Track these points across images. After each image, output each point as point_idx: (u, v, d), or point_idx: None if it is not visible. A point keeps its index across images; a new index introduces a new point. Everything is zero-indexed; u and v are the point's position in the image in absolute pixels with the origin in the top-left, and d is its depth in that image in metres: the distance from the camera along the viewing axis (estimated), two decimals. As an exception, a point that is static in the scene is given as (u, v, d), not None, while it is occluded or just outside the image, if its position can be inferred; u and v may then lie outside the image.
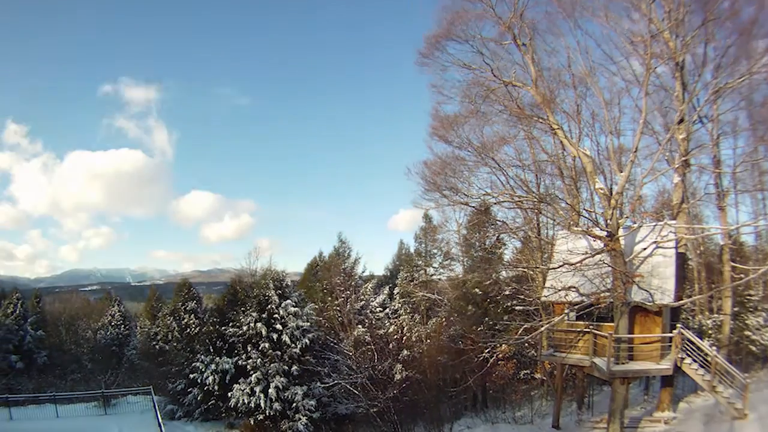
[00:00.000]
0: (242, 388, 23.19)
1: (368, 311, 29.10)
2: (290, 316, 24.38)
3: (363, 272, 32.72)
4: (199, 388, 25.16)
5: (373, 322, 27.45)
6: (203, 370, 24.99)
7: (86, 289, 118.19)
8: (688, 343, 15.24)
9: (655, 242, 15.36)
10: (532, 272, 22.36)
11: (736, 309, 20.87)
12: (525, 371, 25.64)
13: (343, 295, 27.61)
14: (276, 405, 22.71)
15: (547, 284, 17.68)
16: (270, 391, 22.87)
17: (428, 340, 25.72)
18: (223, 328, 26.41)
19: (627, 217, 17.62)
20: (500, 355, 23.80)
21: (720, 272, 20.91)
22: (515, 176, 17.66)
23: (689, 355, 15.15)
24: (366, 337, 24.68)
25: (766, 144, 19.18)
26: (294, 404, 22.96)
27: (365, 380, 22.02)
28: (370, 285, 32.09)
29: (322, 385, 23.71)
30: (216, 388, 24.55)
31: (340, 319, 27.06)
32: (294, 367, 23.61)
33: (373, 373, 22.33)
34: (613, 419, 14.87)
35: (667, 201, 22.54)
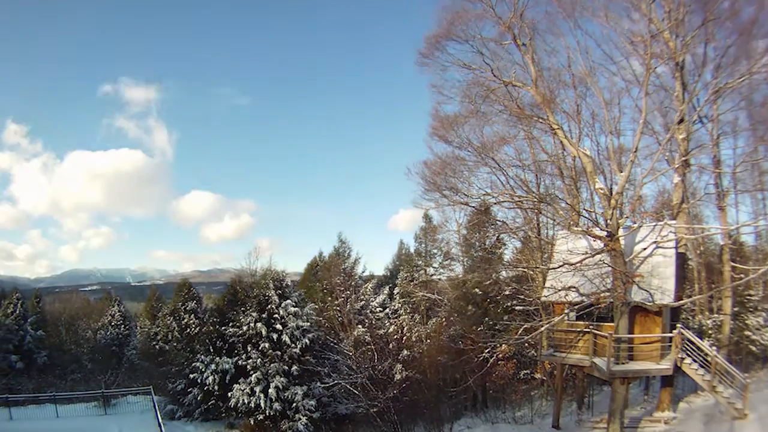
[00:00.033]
0: (242, 388, 23.19)
1: (368, 311, 29.11)
2: (290, 316, 24.38)
3: (363, 272, 32.78)
4: (199, 388, 25.16)
5: (373, 322, 27.45)
6: (203, 370, 24.99)
7: (86, 289, 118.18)
8: (688, 343, 15.24)
9: (655, 242, 15.37)
10: (532, 272, 22.37)
11: (736, 309, 20.87)
12: (525, 371, 25.64)
13: (343, 295, 27.61)
14: (276, 405, 22.71)
15: (547, 284, 17.68)
16: (270, 391, 22.87)
17: (428, 340, 25.73)
18: (223, 328, 26.42)
19: (627, 217, 17.62)
20: (500, 355, 23.81)
21: (720, 272, 20.91)
22: (515, 176, 17.68)
23: (689, 355, 15.15)
24: (366, 337, 24.69)
25: (766, 144, 19.17)
26: (294, 404, 22.97)
27: (365, 380, 22.02)
28: (370, 285, 32.09)
29: (322, 385, 23.72)
30: (216, 388, 24.55)
31: (340, 319, 27.06)
32: (294, 367, 23.61)
33: (373, 373, 22.33)
34: (613, 419, 14.87)
35: (667, 201, 22.54)
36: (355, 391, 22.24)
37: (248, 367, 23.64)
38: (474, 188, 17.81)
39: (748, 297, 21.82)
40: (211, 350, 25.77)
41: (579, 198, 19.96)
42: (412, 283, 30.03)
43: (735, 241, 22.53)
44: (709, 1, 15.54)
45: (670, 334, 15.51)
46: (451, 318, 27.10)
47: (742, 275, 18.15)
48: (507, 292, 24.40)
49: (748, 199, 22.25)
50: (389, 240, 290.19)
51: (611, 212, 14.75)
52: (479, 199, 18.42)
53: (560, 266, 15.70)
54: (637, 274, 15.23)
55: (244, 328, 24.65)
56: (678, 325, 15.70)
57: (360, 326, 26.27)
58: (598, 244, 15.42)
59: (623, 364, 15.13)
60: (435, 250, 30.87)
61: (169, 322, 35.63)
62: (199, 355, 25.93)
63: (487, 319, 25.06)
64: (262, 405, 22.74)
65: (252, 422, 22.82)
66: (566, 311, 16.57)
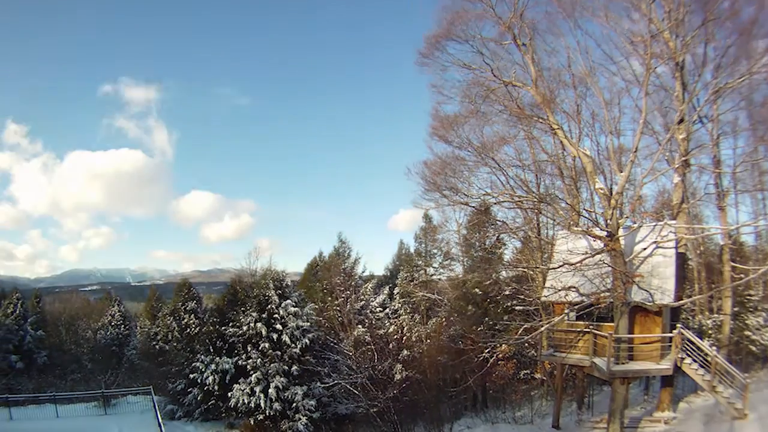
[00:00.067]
0: (242, 388, 23.19)
1: (368, 311, 29.11)
2: (290, 316, 24.38)
3: (363, 272, 32.78)
4: (199, 388, 25.16)
5: (373, 322, 27.45)
6: (203, 370, 24.98)
7: (86, 289, 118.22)
8: (688, 343, 15.23)
9: (655, 242, 15.36)
10: (532, 272, 22.37)
11: (736, 309, 20.87)
12: (525, 371, 25.64)
13: (343, 295, 27.61)
14: (276, 405, 22.71)
15: (547, 284, 17.68)
16: (270, 391, 22.87)
17: (428, 340, 25.72)
18: (223, 328, 26.41)
19: (627, 217, 17.62)
20: (500, 355, 23.81)
21: (720, 272, 20.91)
22: (515, 176, 17.68)
23: (689, 355, 15.15)
24: (366, 337, 24.69)
25: (766, 144, 19.17)
26: (294, 404, 22.96)
27: (365, 380, 22.02)
28: (370, 285, 32.09)
29: (322, 385, 23.71)
30: (216, 388, 24.54)
31: (340, 319, 27.06)
32: (294, 367, 23.61)
33: (373, 373, 22.33)
34: (613, 419, 14.87)
35: (667, 201, 22.54)
36: (355, 391, 22.24)
37: (248, 367, 23.63)
38: (474, 188, 17.84)
39: (748, 297, 21.82)
40: (211, 350, 25.76)
41: (579, 198, 19.96)
42: (412, 283, 30.03)
43: (735, 241, 22.53)
44: (709, 1, 15.54)
45: (670, 334, 15.51)
46: (451, 318, 27.10)
47: (742, 275, 18.15)
48: (507, 292, 24.41)
49: (748, 199, 22.27)
50: (389, 240, 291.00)
51: (611, 212, 14.75)
52: (479, 199, 18.43)
53: (560, 266, 15.70)
54: (637, 274, 15.23)
55: (244, 328, 24.64)
56: (678, 325, 15.70)
57: (360, 326, 26.26)
58: (598, 244, 15.42)
59: (623, 364, 15.12)
60: (435, 250, 30.89)
61: (169, 322, 35.62)
62: (199, 355, 25.92)
63: (487, 319, 25.06)
64: (262, 405, 22.73)
65: (252, 422, 22.81)
66: (566, 311, 16.56)
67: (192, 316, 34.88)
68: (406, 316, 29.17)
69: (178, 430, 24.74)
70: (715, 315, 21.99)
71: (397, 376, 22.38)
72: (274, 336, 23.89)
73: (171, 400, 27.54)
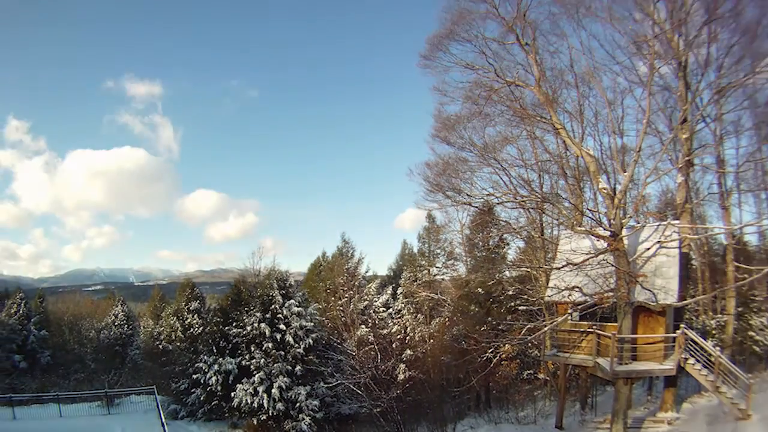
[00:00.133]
0: (245, 388, 23.24)
1: (371, 311, 29.13)
2: (294, 316, 24.43)
3: (366, 272, 32.72)
4: (203, 388, 25.23)
5: (377, 322, 27.50)
6: (206, 370, 25.06)
7: (89, 288, 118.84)
8: (691, 343, 15.20)
9: (658, 242, 15.37)
10: (535, 272, 22.37)
11: (739, 309, 20.82)
12: (528, 371, 25.67)
13: (346, 295, 27.65)
14: (279, 405, 22.76)
15: (551, 284, 17.70)
16: (273, 391, 22.92)
17: (431, 340, 25.76)
18: (226, 328, 26.48)
19: (630, 217, 17.55)
20: (503, 355, 23.83)
21: (723, 272, 20.87)
22: (518, 176, 17.68)
23: (693, 356, 15.11)
24: (369, 337, 24.74)
25: (769, 143, 19.14)
26: (297, 404, 23.01)
27: (368, 380, 22.05)
28: (374, 285, 32.09)
29: (326, 385, 23.75)
30: (219, 388, 24.61)
31: (343, 319, 27.10)
32: (297, 367, 23.66)
33: (377, 373, 22.36)
34: (617, 419, 14.87)
35: (671, 201, 22.53)
36: (359, 391, 22.26)
37: (251, 367, 23.69)
38: (477, 188, 17.85)
39: (752, 297, 21.79)
40: (215, 350, 25.84)
41: (582, 198, 19.86)
42: (415, 283, 30.08)
43: (738, 240, 22.46)
44: (713, 1, 15.50)
45: (674, 335, 15.47)
46: (455, 318, 27.11)
47: (746, 275, 18.09)
48: (510, 292, 24.43)
49: (752, 198, 22.18)
50: (394, 239, 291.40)
51: (615, 212, 14.75)
52: (482, 200, 18.46)
53: (563, 266, 15.71)
54: (640, 274, 15.23)
55: (248, 328, 24.70)
56: (681, 326, 15.66)
57: (363, 326, 26.30)
58: (602, 244, 15.43)
59: (626, 364, 15.12)
60: (438, 250, 30.93)
61: (172, 322, 35.69)
62: (202, 355, 25.99)
63: (490, 319, 25.04)
64: (266, 405, 22.78)
65: (255, 422, 22.86)
66: (569, 311, 16.56)
67: (195, 316, 34.92)
68: (409, 316, 29.23)
69: (182, 429, 24.80)
70: (719, 315, 21.94)
71: (401, 376, 22.42)
72: (278, 336, 23.94)
73: (174, 399, 27.62)
